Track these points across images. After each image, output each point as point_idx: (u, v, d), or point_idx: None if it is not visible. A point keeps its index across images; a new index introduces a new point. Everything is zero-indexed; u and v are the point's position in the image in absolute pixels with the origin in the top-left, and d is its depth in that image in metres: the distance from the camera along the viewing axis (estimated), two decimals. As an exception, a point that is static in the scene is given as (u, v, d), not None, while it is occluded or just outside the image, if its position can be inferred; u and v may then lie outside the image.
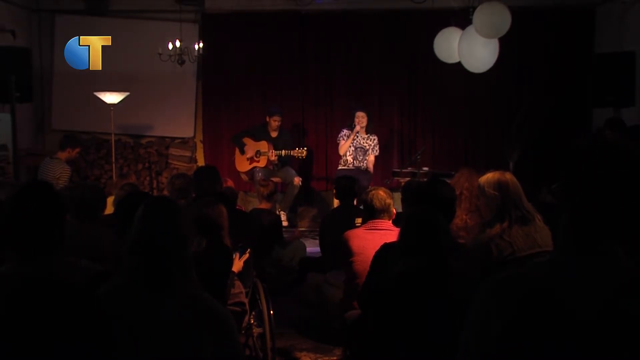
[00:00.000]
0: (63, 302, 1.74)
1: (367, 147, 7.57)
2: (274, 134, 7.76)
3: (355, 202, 5.51)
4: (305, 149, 7.65)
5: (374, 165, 7.76)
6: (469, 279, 2.47)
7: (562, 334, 1.24)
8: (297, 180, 7.65)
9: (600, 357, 1.23)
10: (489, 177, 3.26)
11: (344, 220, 4.77)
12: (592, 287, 1.27)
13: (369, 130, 7.61)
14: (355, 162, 7.58)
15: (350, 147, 7.56)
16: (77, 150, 6.62)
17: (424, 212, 2.74)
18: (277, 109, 7.87)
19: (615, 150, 1.32)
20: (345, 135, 7.61)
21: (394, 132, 8.67)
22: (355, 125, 7.53)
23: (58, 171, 6.35)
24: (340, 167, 7.64)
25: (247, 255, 3.81)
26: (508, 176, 3.25)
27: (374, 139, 7.62)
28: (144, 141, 8.83)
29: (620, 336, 1.22)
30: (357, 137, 7.55)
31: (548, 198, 4.43)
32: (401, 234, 2.75)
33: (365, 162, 7.59)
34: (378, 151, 7.67)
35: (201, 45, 8.21)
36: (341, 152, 7.65)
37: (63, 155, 6.50)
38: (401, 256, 2.65)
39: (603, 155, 1.32)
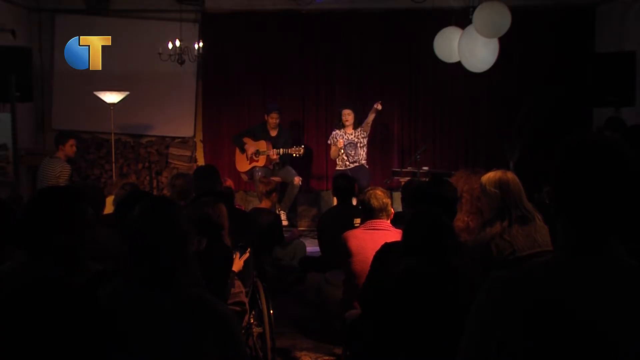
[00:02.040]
0: (62, 301, 1.74)
1: (356, 140, 7.58)
2: (273, 133, 7.76)
3: (354, 202, 5.51)
4: (303, 146, 7.66)
5: (374, 162, 7.77)
6: (471, 279, 2.47)
7: (563, 335, 1.24)
8: (297, 180, 7.66)
9: (602, 358, 1.23)
10: (490, 175, 3.27)
11: (342, 220, 4.77)
12: (592, 288, 1.27)
13: (356, 125, 7.61)
14: (349, 158, 7.59)
15: (340, 143, 7.56)
16: (70, 142, 6.55)
17: (429, 212, 2.74)
18: (273, 105, 7.87)
19: (606, 146, 1.32)
20: (334, 137, 7.60)
21: (394, 132, 8.67)
22: (343, 124, 7.54)
23: (58, 170, 6.35)
24: (337, 168, 7.65)
25: (247, 255, 3.81)
26: (509, 175, 3.25)
27: (361, 127, 7.61)
28: (144, 141, 8.83)
29: (622, 336, 1.22)
30: (344, 133, 7.56)
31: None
32: (405, 234, 2.75)
33: (359, 155, 7.59)
34: (366, 122, 7.63)
35: (201, 44, 8.21)
36: (332, 157, 7.67)
37: (61, 154, 6.49)
38: (403, 256, 2.65)
39: (595, 152, 1.31)
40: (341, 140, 7.53)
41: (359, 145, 7.59)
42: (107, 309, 1.82)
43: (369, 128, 7.67)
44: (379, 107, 7.49)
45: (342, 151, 7.57)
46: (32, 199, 1.94)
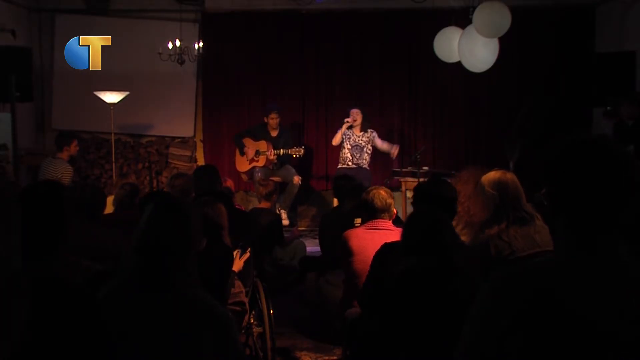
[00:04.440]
0: (61, 303, 1.74)
1: (363, 144, 7.59)
2: (274, 133, 7.76)
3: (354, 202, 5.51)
4: (303, 147, 7.66)
5: (375, 162, 7.79)
6: (472, 278, 2.47)
7: (562, 334, 1.24)
8: (297, 179, 7.65)
9: (602, 357, 1.23)
10: (490, 175, 3.26)
11: (344, 220, 4.77)
12: (592, 287, 1.27)
13: (364, 127, 7.61)
14: (353, 159, 7.60)
15: (346, 144, 7.56)
16: (74, 143, 6.57)
17: (428, 211, 2.74)
18: (272, 106, 7.86)
19: (599, 145, 1.33)
20: (347, 135, 7.60)
21: (394, 131, 8.67)
22: (351, 124, 7.54)
23: (60, 171, 6.35)
24: (340, 166, 7.65)
25: (247, 255, 3.80)
26: (509, 176, 3.24)
27: (370, 133, 7.61)
28: (144, 141, 8.83)
29: (622, 336, 1.22)
30: (352, 134, 7.55)
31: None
32: (405, 233, 2.74)
33: (363, 159, 7.60)
34: (376, 139, 7.63)
35: (201, 44, 8.22)
36: (334, 142, 7.66)
37: (63, 155, 6.50)
38: (403, 255, 2.65)
39: (588, 151, 1.32)
40: (340, 132, 7.50)
41: (365, 149, 7.61)
42: (105, 309, 1.82)
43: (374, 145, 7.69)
44: (395, 152, 7.56)
45: (347, 150, 7.56)
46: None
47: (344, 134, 7.59)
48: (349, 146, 7.58)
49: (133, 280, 1.91)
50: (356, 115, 7.55)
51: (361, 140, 7.59)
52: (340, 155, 7.68)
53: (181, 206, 2.01)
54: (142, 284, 1.88)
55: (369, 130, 7.62)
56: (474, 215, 3.65)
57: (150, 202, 2.32)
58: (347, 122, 7.52)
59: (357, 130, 7.59)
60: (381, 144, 7.63)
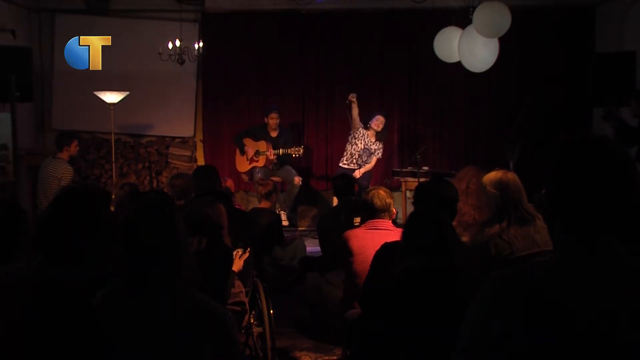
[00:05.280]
0: (59, 305, 1.73)
1: (373, 150, 7.58)
2: (274, 134, 7.76)
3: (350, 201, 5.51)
4: (302, 147, 7.66)
5: (374, 167, 7.79)
6: (472, 278, 2.47)
7: (563, 335, 1.24)
8: (298, 180, 7.66)
9: (601, 358, 1.23)
10: (491, 175, 3.27)
11: (343, 219, 4.78)
12: (592, 288, 1.27)
13: (380, 137, 7.59)
14: (359, 159, 7.59)
15: (360, 142, 7.51)
16: (74, 143, 6.57)
17: (428, 211, 2.74)
18: (273, 106, 7.86)
19: (596, 145, 1.33)
20: (361, 134, 7.57)
21: (394, 131, 8.66)
22: (370, 126, 7.51)
23: (60, 171, 6.34)
24: (342, 164, 7.62)
25: (247, 255, 3.81)
26: (510, 176, 3.25)
27: (379, 146, 7.61)
28: (144, 140, 8.83)
29: (622, 337, 1.22)
30: (367, 137, 7.50)
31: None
32: (405, 233, 2.74)
33: (368, 163, 7.61)
34: (380, 155, 7.67)
35: (201, 44, 8.22)
36: (353, 116, 7.52)
37: (64, 155, 6.50)
38: (404, 255, 2.65)
39: (585, 151, 1.32)
40: (355, 109, 7.44)
41: (373, 155, 7.60)
42: (101, 311, 1.81)
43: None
44: (357, 175, 7.48)
45: (358, 149, 7.53)
46: (55, 200, 1.90)
47: (362, 133, 7.52)
48: (362, 146, 7.55)
49: (126, 282, 1.90)
50: (379, 119, 7.51)
51: (372, 146, 7.58)
52: (349, 149, 7.63)
53: (162, 205, 1.97)
54: (133, 286, 1.86)
55: (381, 144, 7.59)
56: (465, 215, 3.66)
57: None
58: (353, 101, 7.40)
59: (372, 136, 7.56)
60: (369, 164, 7.64)
